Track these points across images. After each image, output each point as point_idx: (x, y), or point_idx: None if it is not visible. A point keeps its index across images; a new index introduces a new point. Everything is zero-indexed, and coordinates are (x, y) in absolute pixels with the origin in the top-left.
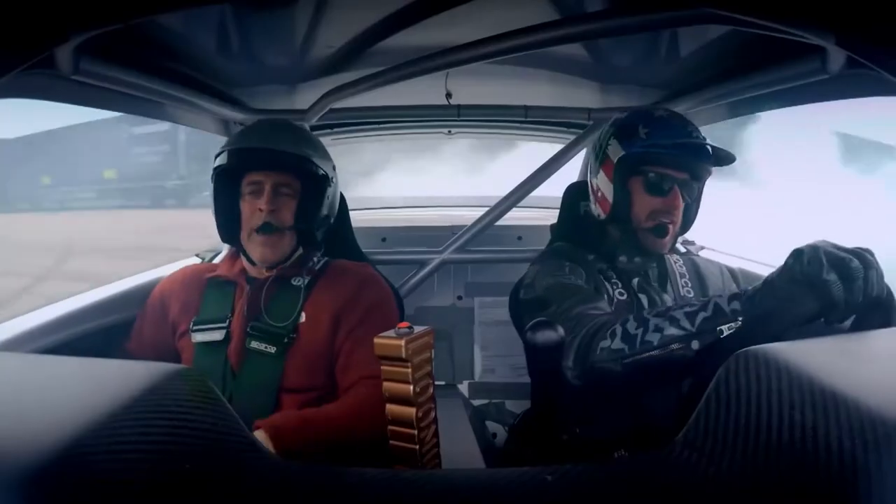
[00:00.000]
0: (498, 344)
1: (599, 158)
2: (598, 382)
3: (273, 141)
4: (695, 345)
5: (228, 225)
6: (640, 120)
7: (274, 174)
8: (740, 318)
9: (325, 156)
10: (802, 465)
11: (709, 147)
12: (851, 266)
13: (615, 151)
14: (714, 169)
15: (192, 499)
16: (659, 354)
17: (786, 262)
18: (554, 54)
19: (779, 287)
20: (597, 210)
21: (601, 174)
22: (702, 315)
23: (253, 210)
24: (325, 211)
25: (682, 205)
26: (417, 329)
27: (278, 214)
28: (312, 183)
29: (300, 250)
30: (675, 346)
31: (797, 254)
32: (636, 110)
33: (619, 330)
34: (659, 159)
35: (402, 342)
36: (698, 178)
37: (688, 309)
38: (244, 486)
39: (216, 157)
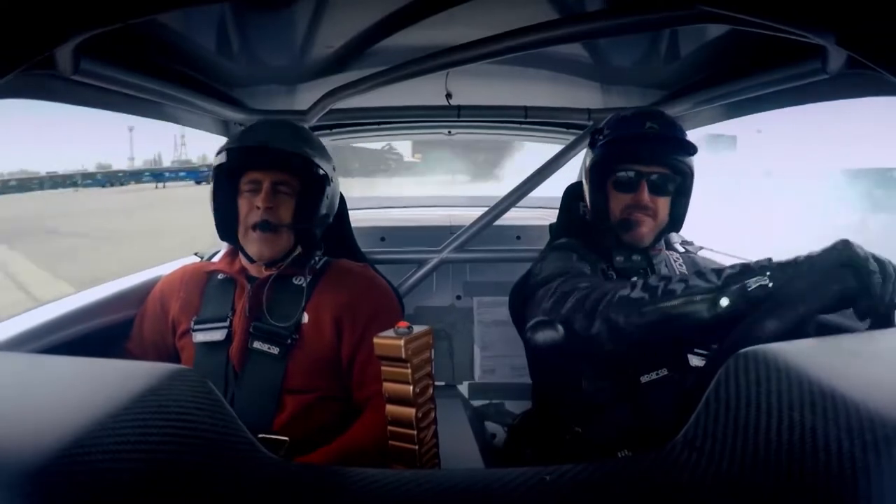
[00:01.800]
0: (497, 344)
1: (583, 165)
2: (612, 338)
3: (272, 140)
4: (723, 301)
5: (226, 222)
6: (607, 123)
7: (272, 173)
8: (768, 274)
9: (325, 156)
10: (802, 465)
11: (665, 136)
12: (888, 268)
13: (588, 156)
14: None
15: (191, 499)
16: (682, 305)
17: (832, 246)
18: (554, 54)
19: (819, 263)
20: (586, 213)
21: (584, 179)
22: (728, 271)
23: (250, 207)
24: (323, 210)
25: (650, 199)
26: (417, 329)
27: (276, 212)
28: (311, 182)
29: (298, 249)
30: (699, 297)
31: (845, 242)
32: (609, 115)
33: (639, 282)
34: (622, 156)
35: (402, 342)
36: (677, 172)
37: (714, 267)
38: (243, 485)
39: (216, 155)
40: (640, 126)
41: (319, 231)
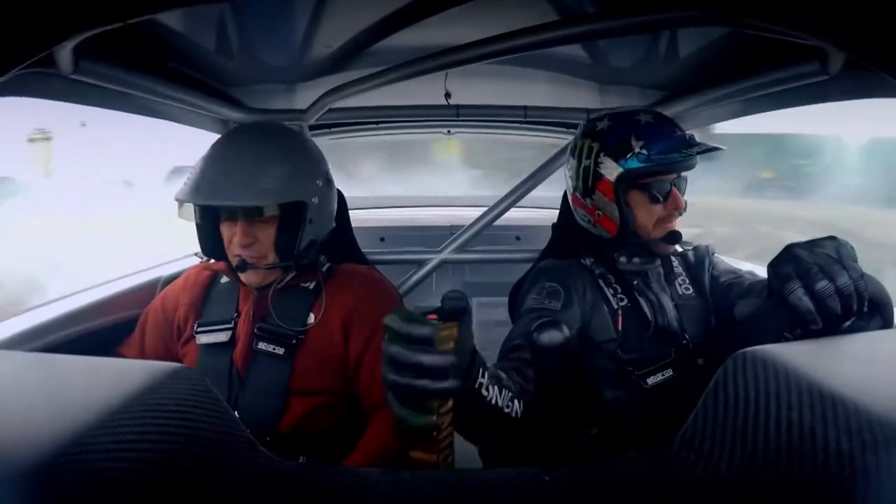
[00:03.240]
0: (497, 344)
1: (591, 178)
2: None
3: (227, 198)
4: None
5: (211, 247)
6: (629, 131)
7: (237, 208)
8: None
9: (306, 168)
10: (801, 465)
11: (701, 145)
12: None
13: (611, 169)
14: None
15: (190, 497)
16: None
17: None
18: (553, 54)
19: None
20: (598, 230)
21: (598, 194)
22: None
23: (230, 238)
24: (309, 237)
25: (682, 204)
26: (442, 326)
27: (255, 248)
28: (289, 214)
29: (292, 272)
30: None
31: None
32: (617, 120)
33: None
34: (657, 168)
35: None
36: (687, 171)
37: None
38: (242, 485)
39: (178, 194)
40: (679, 137)
41: (312, 252)
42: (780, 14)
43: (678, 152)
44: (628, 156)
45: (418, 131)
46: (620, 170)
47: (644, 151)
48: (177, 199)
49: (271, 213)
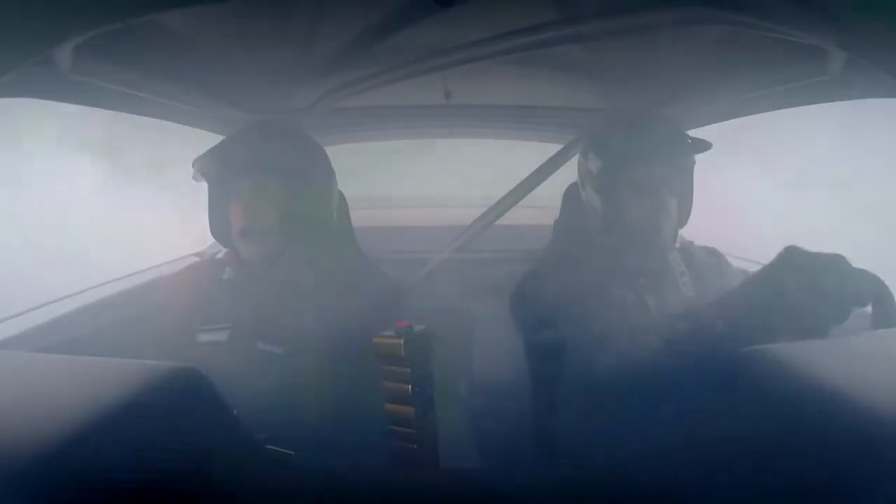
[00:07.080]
0: (497, 344)
1: (583, 173)
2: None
3: (254, 148)
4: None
5: (220, 227)
6: (609, 127)
7: (254, 178)
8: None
9: (308, 154)
10: (801, 464)
11: (682, 140)
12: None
13: (594, 164)
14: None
15: (191, 498)
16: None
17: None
18: (554, 54)
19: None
20: (591, 222)
21: (588, 188)
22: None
23: (237, 215)
24: (310, 208)
25: (669, 200)
26: (417, 328)
27: (258, 219)
28: (294, 183)
29: (293, 249)
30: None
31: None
32: (604, 119)
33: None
34: (635, 161)
35: (401, 342)
36: (682, 171)
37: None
38: (243, 485)
39: (193, 165)
40: (652, 129)
41: (313, 229)
42: (779, 14)
43: (648, 145)
44: (605, 149)
45: (418, 131)
46: (600, 163)
47: (619, 145)
48: (209, 158)
49: (278, 189)
